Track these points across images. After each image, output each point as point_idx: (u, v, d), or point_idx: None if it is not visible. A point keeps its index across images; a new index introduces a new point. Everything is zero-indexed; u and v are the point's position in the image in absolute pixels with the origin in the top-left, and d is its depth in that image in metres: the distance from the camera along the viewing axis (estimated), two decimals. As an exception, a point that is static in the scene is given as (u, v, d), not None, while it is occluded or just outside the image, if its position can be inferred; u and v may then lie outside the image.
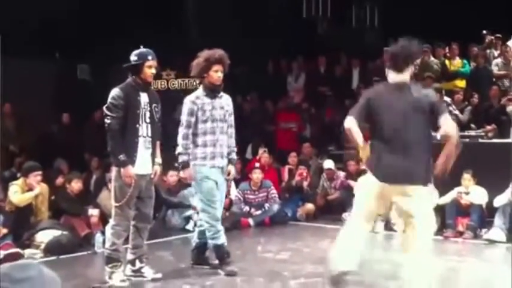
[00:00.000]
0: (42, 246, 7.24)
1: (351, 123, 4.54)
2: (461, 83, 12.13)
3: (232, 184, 9.35)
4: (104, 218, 7.99)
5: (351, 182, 9.78)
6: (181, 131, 6.02)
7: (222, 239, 6.09)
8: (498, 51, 12.28)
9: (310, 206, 9.97)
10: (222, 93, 6.17)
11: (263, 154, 10.65)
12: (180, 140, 6.02)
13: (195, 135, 6.00)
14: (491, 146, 9.22)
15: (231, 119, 6.20)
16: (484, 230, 8.09)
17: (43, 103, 13.37)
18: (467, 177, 8.30)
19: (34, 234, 7.41)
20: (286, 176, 10.56)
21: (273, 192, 9.50)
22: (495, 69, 11.82)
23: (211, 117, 6.02)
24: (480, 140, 9.48)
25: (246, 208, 9.36)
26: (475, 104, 11.25)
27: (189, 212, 9.04)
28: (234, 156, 6.23)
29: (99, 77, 13.05)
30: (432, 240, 4.55)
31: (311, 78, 13.82)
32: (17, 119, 12.11)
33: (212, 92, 6.06)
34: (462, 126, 10.34)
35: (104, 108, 5.68)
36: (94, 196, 8.91)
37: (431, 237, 4.53)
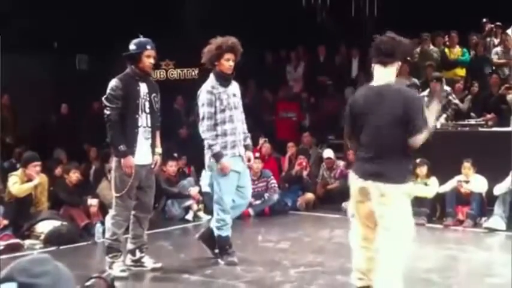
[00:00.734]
0: (42, 236, 7.24)
1: (348, 143, 4.50)
2: (461, 72, 12.11)
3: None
4: (103, 208, 7.99)
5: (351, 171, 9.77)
6: (205, 123, 5.91)
7: (227, 232, 6.09)
8: (498, 40, 12.24)
9: (310, 196, 9.97)
10: (231, 81, 6.16)
11: (263, 144, 10.64)
12: (206, 133, 5.91)
13: (214, 125, 5.93)
14: (491, 134, 9.20)
15: (241, 105, 6.18)
16: (484, 219, 8.10)
17: (42, 94, 13.35)
18: (467, 166, 8.30)
19: (34, 225, 7.41)
20: (286, 165, 10.56)
21: (273, 182, 9.49)
22: (495, 58, 11.79)
23: (228, 106, 5.96)
24: (480, 129, 9.46)
25: (246, 198, 9.34)
26: (474, 92, 11.23)
27: (189, 202, 9.04)
28: (249, 141, 6.20)
29: (98, 67, 13.01)
30: (405, 246, 4.22)
31: (310, 67, 13.79)
32: (15, 110, 12.09)
33: (225, 80, 6.00)
34: (462, 115, 10.33)
35: (103, 99, 5.66)
36: (93, 186, 8.90)
37: (403, 242, 4.17)
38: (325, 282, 5.39)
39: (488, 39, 12.51)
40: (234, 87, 6.13)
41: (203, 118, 5.94)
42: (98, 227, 7.32)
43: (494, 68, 11.70)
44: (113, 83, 5.63)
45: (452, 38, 12.28)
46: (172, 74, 13.74)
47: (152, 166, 5.84)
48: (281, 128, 12.61)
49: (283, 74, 14.00)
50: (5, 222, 7.36)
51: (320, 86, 13.35)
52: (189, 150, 10.46)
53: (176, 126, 12.17)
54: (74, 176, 8.21)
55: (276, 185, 9.54)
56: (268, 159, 10.42)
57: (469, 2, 12.42)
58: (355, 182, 4.26)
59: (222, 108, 5.93)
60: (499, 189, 8.05)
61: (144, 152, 5.72)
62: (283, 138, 11.85)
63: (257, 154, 9.92)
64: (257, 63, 13.84)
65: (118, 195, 5.64)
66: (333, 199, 9.84)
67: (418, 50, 12.27)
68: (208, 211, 8.32)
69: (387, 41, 4.30)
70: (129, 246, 5.90)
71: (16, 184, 7.60)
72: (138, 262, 5.89)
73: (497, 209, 7.90)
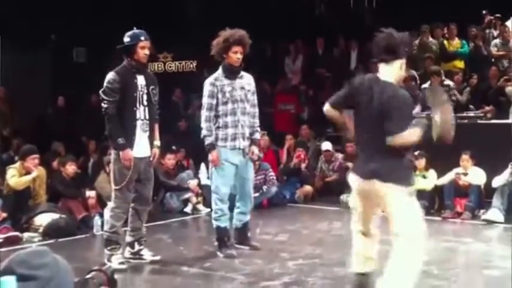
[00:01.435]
0: (41, 229, 7.25)
1: (326, 109, 4.39)
2: (460, 64, 12.09)
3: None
4: (101, 201, 8.00)
5: (349, 164, 9.77)
6: (203, 113, 6.02)
7: (226, 223, 6.14)
8: (497, 32, 12.21)
9: (308, 188, 9.97)
10: (242, 73, 6.16)
11: (262, 136, 10.61)
12: (203, 123, 6.02)
13: (216, 117, 6.00)
14: (489, 126, 9.21)
15: (254, 98, 6.20)
16: (482, 211, 8.11)
17: (39, 86, 13.33)
18: (465, 158, 8.30)
19: (32, 218, 7.41)
20: (284, 158, 10.55)
21: (271, 174, 9.49)
22: (494, 50, 11.76)
23: (231, 98, 6.00)
24: (479, 121, 9.46)
25: (244, 190, 9.34)
26: (473, 84, 11.22)
27: (188, 195, 9.04)
28: (256, 136, 6.23)
29: (96, 60, 12.99)
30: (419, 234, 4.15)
31: (309, 60, 13.77)
32: (12, 103, 12.07)
33: (232, 73, 6.04)
34: (461, 107, 10.32)
35: (100, 92, 5.65)
36: (91, 179, 8.90)
37: (413, 247, 4.12)
38: (324, 274, 5.40)
39: (487, 31, 12.49)
40: (245, 80, 6.16)
41: (203, 108, 6.05)
42: (97, 220, 7.32)
43: (493, 60, 11.68)
44: (110, 76, 5.62)
45: (451, 30, 12.26)
46: (170, 66, 13.72)
47: (151, 159, 5.84)
48: (279, 121, 12.60)
49: (281, 67, 13.98)
50: (4, 215, 7.36)
51: (319, 78, 13.33)
52: (187, 143, 10.45)
53: (174, 119, 12.15)
54: (70, 168, 8.20)
55: (275, 178, 9.53)
56: (267, 152, 10.41)
57: (467, -7, 12.41)
58: (355, 181, 4.25)
59: (224, 100, 5.98)
60: (498, 181, 8.06)
61: (143, 144, 5.72)
62: (282, 130, 11.84)
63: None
64: (256, 55, 13.81)
65: (117, 187, 5.64)
66: (331, 191, 9.84)
67: (417, 42, 12.24)
68: (207, 204, 8.33)
69: (386, 38, 4.25)
70: (128, 238, 5.90)
71: (14, 177, 7.59)
72: (136, 255, 5.89)
73: (496, 201, 7.91)
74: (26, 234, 7.20)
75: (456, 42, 12.19)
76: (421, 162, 8.40)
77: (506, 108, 9.71)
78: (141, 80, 5.71)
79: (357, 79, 4.41)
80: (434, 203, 8.41)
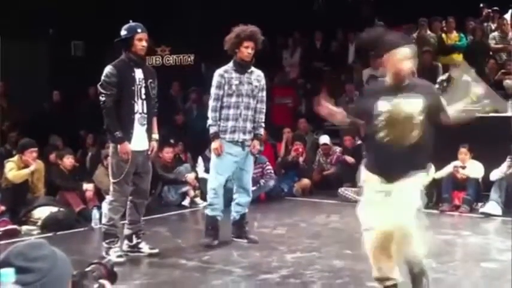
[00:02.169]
0: (39, 222, 7.26)
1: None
2: (458, 57, 12.08)
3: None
4: (99, 194, 8.00)
5: (347, 157, 9.79)
6: (210, 103, 6.23)
7: (214, 212, 6.28)
8: (495, 25, 12.21)
9: (306, 181, 9.97)
10: (253, 69, 6.29)
11: (260, 130, 10.61)
12: (209, 112, 6.21)
13: (221, 108, 6.16)
14: (487, 120, 9.19)
15: (262, 95, 6.32)
16: (480, 204, 8.12)
17: (37, 80, 13.30)
18: (463, 151, 8.31)
19: (31, 211, 7.42)
20: (282, 151, 10.55)
21: (269, 167, 9.49)
22: (492, 43, 11.76)
23: (237, 92, 6.14)
24: (476, 114, 9.43)
25: (242, 184, 9.35)
26: (471, 78, 11.20)
27: (185, 188, 9.05)
28: (260, 131, 6.32)
29: (94, 53, 12.95)
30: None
31: (307, 53, 13.76)
32: (9, 97, 12.04)
33: (241, 67, 6.19)
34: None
35: (98, 86, 5.65)
36: (89, 173, 8.90)
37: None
38: (322, 267, 5.42)
39: (485, 24, 12.49)
40: (255, 76, 6.29)
41: (210, 98, 6.25)
42: (95, 213, 7.33)
43: (491, 53, 11.67)
44: (108, 69, 5.61)
45: (450, 23, 12.25)
46: (168, 60, 13.68)
47: (149, 152, 5.84)
48: (277, 114, 12.57)
49: (279, 60, 13.96)
50: (2, 208, 7.37)
51: (316, 72, 13.32)
52: (185, 137, 10.45)
53: (172, 113, 12.14)
54: (68, 161, 8.20)
55: (272, 171, 9.54)
56: (264, 145, 10.40)
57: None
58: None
59: (229, 92, 6.13)
60: (495, 174, 8.07)
61: (141, 138, 5.72)
62: (279, 124, 11.83)
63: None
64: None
65: (115, 181, 5.64)
66: (329, 185, 9.85)
67: (415, 35, 12.23)
68: (205, 197, 8.32)
69: (367, 35, 4.19)
70: (126, 231, 5.91)
71: (13, 170, 7.60)
72: (135, 248, 5.90)
73: (494, 194, 7.92)
74: (24, 228, 7.21)
75: (454, 35, 12.18)
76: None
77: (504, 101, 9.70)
78: (139, 73, 5.70)
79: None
80: (432, 196, 8.40)
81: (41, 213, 7.34)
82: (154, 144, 5.91)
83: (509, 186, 8.00)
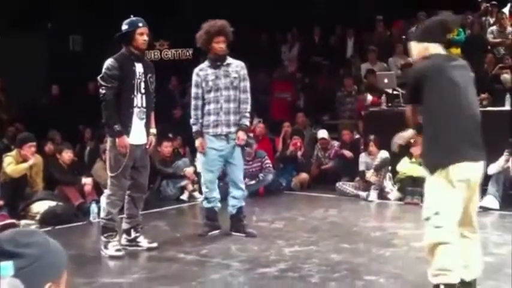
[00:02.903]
0: (38, 217, 7.26)
1: None
2: (456, 51, 12.07)
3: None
4: (97, 188, 8.01)
5: (345, 152, 9.80)
6: (191, 102, 6.35)
7: (210, 204, 6.40)
8: (493, 19, 12.21)
9: (304, 176, 9.99)
10: (230, 61, 6.27)
11: (258, 124, 10.64)
12: (191, 111, 6.34)
13: (203, 105, 6.26)
14: (485, 114, 9.16)
15: (244, 85, 6.27)
16: (477, 198, 8.13)
17: (35, 75, 13.29)
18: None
19: (29, 205, 7.42)
20: (280, 146, 10.57)
21: (267, 162, 9.50)
22: (490, 37, 11.77)
23: (214, 87, 6.19)
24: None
25: (241, 178, 9.36)
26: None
27: (184, 182, 9.06)
28: (243, 121, 6.27)
29: (92, 48, 12.95)
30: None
31: (305, 48, 13.76)
32: (8, 91, 12.04)
33: (216, 62, 6.22)
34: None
35: (98, 78, 5.64)
36: (88, 167, 8.90)
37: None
38: (319, 261, 5.43)
39: (483, 18, 12.48)
40: (233, 68, 6.25)
41: (191, 97, 6.39)
42: (93, 207, 7.34)
43: (489, 47, 11.68)
44: (109, 62, 5.61)
45: (448, 18, 12.22)
46: (166, 54, 13.69)
47: (147, 146, 5.85)
48: (276, 108, 12.60)
49: (278, 55, 13.96)
50: (1, 202, 7.36)
51: (315, 66, 13.32)
52: (184, 131, 10.44)
53: (171, 107, 12.15)
54: (67, 155, 8.21)
55: (271, 165, 9.55)
56: (263, 140, 10.42)
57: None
58: (467, 169, 4.02)
59: (208, 89, 6.23)
60: (493, 168, 8.07)
61: (139, 132, 5.72)
62: (278, 118, 11.84)
63: (251, 134, 9.93)
64: (252, 43, 13.80)
65: (113, 175, 5.65)
66: (327, 179, 9.86)
67: (413, 29, 12.21)
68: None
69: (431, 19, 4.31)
70: (124, 226, 5.92)
71: (11, 165, 7.60)
72: (133, 242, 5.92)
73: (491, 188, 7.93)
74: (23, 222, 7.20)
75: (453, 29, 12.17)
76: (416, 150, 8.41)
77: (501, 95, 9.71)
78: (139, 67, 5.71)
79: None
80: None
81: (40, 207, 7.34)
82: (153, 138, 5.92)
83: (506, 180, 8.02)
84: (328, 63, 13.17)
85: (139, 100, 5.69)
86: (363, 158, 9.07)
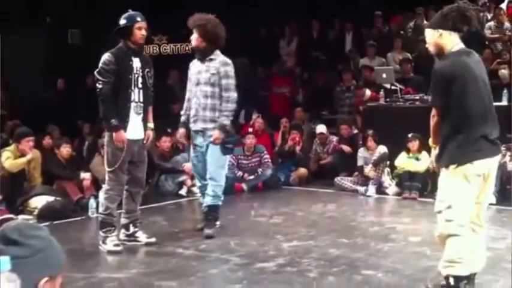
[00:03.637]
0: (36, 211, 7.26)
1: None
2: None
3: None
4: (96, 183, 8.01)
5: (344, 147, 9.81)
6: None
7: (202, 199, 6.42)
8: (491, 14, 12.21)
9: (303, 171, 10.00)
10: (216, 57, 6.11)
11: (257, 119, 10.64)
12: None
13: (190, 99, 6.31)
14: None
15: (226, 82, 6.06)
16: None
17: (34, 69, 13.27)
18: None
19: (27, 200, 7.42)
20: (279, 141, 10.58)
21: (266, 157, 9.51)
22: (488, 33, 11.75)
23: (195, 81, 6.16)
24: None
25: (239, 173, 9.38)
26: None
27: (183, 178, 9.05)
28: (221, 120, 6.04)
29: (91, 42, 12.92)
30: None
31: (304, 42, 13.74)
32: (6, 86, 12.01)
33: (198, 55, 6.22)
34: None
35: (95, 73, 5.63)
36: (86, 162, 8.90)
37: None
38: (318, 255, 5.44)
39: (481, 13, 12.46)
40: (215, 64, 6.08)
41: None
42: (92, 202, 7.34)
43: (487, 42, 11.67)
44: (106, 57, 5.61)
45: (446, 13, 12.22)
46: (165, 49, 13.65)
47: (144, 141, 5.85)
48: (274, 103, 12.60)
49: (276, 49, 13.95)
50: (-1, 197, 7.38)
51: (313, 61, 13.32)
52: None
53: (170, 102, 12.13)
54: (65, 150, 8.21)
55: (269, 160, 9.56)
56: (262, 135, 10.43)
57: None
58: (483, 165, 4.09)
59: (190, 83, 6.27)
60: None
61: (136, 126, 5.72)
62: (277, 113, 11.84)
63: (250, 129, 9.95)
64: (251, 38, 13.79)
65: (110, 169, 5.65)
66: (325, 174, 9.87)
67: (412, 24, 12.25)
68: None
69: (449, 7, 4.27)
70: (123, 221, 5.93)
71: (9, 159, 7.60)
72: (132, 237, 5.92)
73: (488, 183, 7.94)
74: (21, 217, 7.18)
75: (450, 24, 12.16)
76: (414, 145, 8.44)
77: (499, 91, 9.72)
78: (136, 62, 5.70)
79: None
80: (427, 184, 8.44)
81: (38, 202, 7.34)
82: (150, 133, 5.92)
83: (503, 175, 8.04)
84: (326, 58, 13.16)
85: (136, 95, 5.68)
86: (361, 153, 9.08)
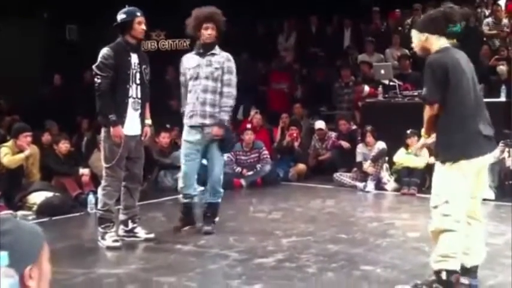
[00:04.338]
0: (35, 207, 7.26)
1: None
2: (451, 43, 12.06)
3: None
4: (95, 179, 8.00)
5: (342, 142, 9.82)
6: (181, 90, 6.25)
7: (187, 200, 6.30)
8: (489, 10, 12.21)
9: (301, 166, 10.01)
10: (217, 51, 6.06)
11: (255, 115, 10.64)
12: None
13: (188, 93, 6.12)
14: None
15: (228, 78, 6.00)
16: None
17: (31, 64, 13.25)
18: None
19: (26, 196, 7.41)
20: (278, 136, 10.58)
21: (265, 152, 9.52)
22: (486, 29, 11.76)
23: (194, 75, 6.01)
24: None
25: (238, 169, 9.39)
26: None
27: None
28: (221, 116, 5.99)
29: (88, 37, 12.90)
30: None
31: (302, 38, 13.73)
32: (3, 81, 11.99)
33: (201, 49, 6.05)
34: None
35: (94, 67, 5.61)
36: (85, 157, 8.90)
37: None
38: (317, 251, 5.45)
39: (479, 10, 12.47)
40: (217, 58, 6.03)
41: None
42: (91, 198, 7.33)
43: (485, 39, 11.68)
44: (105, 51, 5.59)
45: (444, 9, 12.21)
46: (163, 44, 13.64)
47: (142, 137, 5.84)
48: (273, 99, 12.60)
49: (275, 45, 13.93)
50: (-2, 193, 7.38)
51: (312, 57, 13.31)
52: (181, 122, 10.41)
53: (168, 98, 12.12)
54: (64, 146, 8.20)
55: (268, 156, 9.57)
56: (260, 130, 10.43)
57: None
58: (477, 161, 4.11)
59: (189, 77, 6.08)
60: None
61: (134, 122, 5.71)
62: (275, 109, 11.84)
63: (248, 125, 9.95)
64: (249, 33, 13.77)
65: (108, 165, 5.65)
66: (324, 170, 9.89)
67: (409, 21, 12.22)
68: (201, 182, 8.34)
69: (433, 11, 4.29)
70: (121, 217, 5.92)
71: (7, 155, 7.59)
72: (130, 233, 5.92)
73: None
74: (19, 213, 7.20)
75: (448, 21, 12.14)
76: (412, 140, 8.44)
77: (497, 87, 9.73)
78: (134, 58, 5.69)
79: None
80: (426, 180, 8.45)
81: (36, 198, 7.34)
82: (148, 129, 5.91)
83: (502, 171, 8.06)
84: (325, 54, 13.15)
85: (134, 91, 5.67)
86: (360, 148, 9.09)
